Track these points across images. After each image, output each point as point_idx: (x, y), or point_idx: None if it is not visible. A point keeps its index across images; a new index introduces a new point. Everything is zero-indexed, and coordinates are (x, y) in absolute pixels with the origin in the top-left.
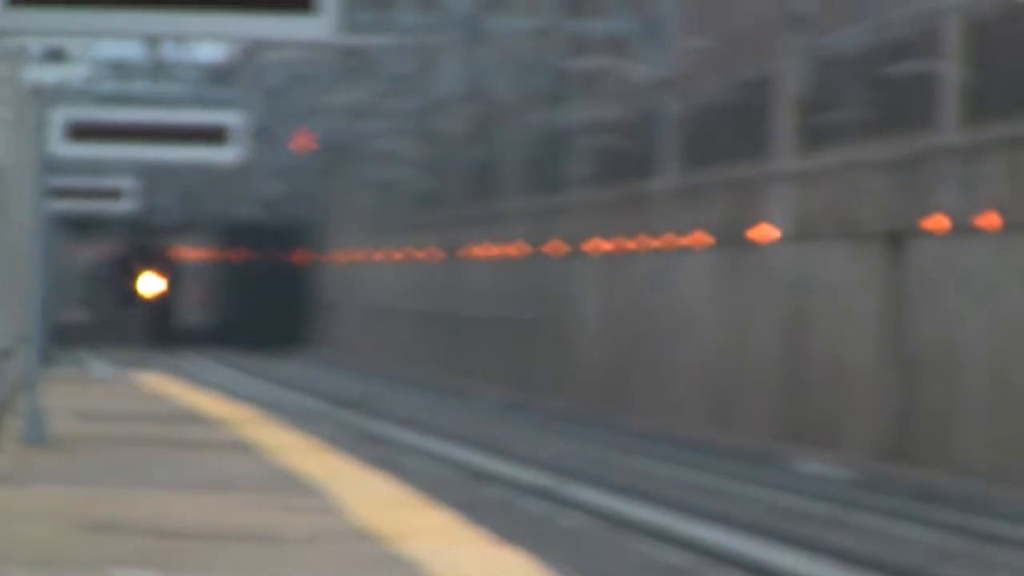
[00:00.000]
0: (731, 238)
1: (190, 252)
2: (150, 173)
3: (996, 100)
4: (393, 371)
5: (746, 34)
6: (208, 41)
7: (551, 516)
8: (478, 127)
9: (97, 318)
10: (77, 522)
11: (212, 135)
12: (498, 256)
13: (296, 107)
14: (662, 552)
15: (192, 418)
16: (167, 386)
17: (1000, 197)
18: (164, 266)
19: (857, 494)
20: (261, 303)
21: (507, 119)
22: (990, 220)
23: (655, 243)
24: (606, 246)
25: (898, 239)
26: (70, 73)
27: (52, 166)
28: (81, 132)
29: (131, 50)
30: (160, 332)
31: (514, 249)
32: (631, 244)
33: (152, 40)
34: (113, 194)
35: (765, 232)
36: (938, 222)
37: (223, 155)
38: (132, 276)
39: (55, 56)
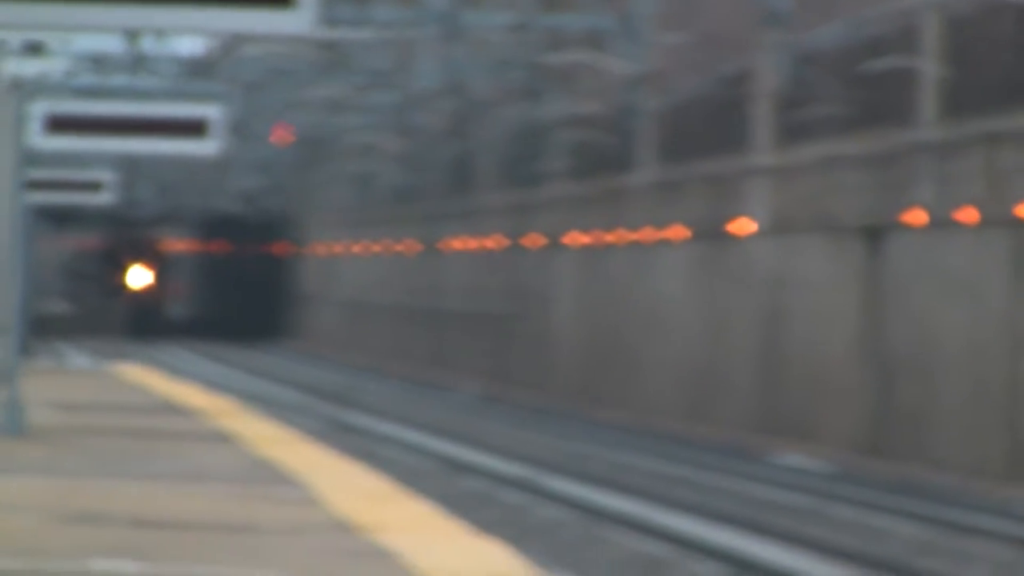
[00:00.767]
0: (709, 232)
1: (169, 244)
2: (130, 166)
3: (973, 96)
4: (371, 364)
5: (723, 30)
6: (187, 35)
7: (529, 507)
8: (455, 122)
9: (77, 310)
10: (56, 513)
11: (191, 128)
12: (476, 250)
13: (275, 101)
14: (640, 543)
15: (171, 409)
16: (146, 377)
17: (977, 192)
18: (153, 259)
19: (834, 487)
20: (240, 295)
21: (484, 114)
22: (968, 215)
23: (633, 237)
24: (584, 240)
25: (875, 234)
26: (49, 67)
27: (31, 159)
28: (60, 125)
29: (111, 44)
30: (142, 324)
31: (492, 243)
32: (609, 238)
33: (131, 34)
34: (93, 187)
35: (743, 226)
36: (916, 217)
37: (203, 148)
38: (120, 268)
39: (34, 50)
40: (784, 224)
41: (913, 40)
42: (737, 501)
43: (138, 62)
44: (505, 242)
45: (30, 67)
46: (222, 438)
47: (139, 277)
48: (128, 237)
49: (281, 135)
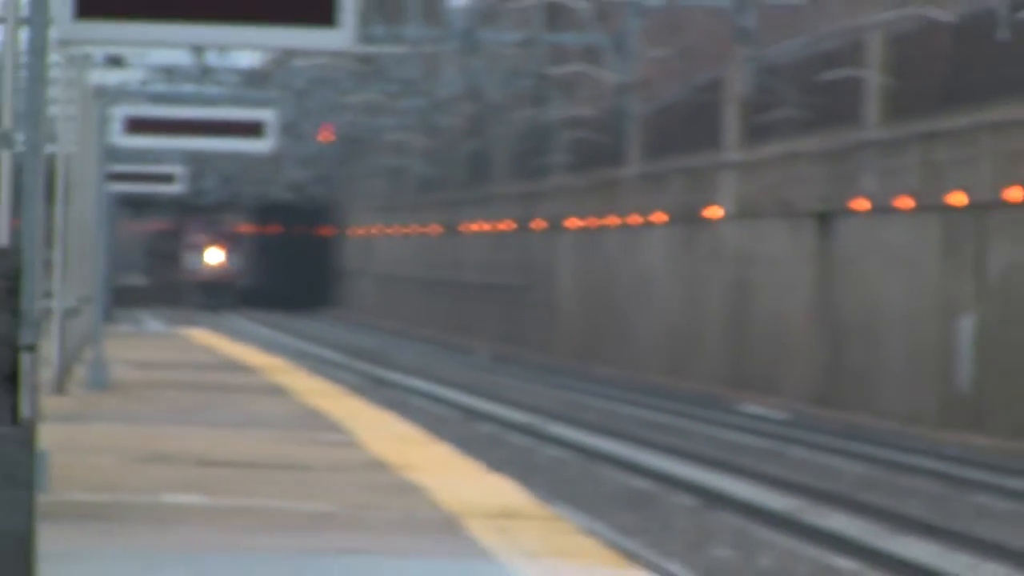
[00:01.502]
0: (686, 217)
1: (235, 227)
2: (197, 161)
3: (911, 101)
4: (401, 329)
5: (699, 45)
6: (246, 50)
7: (534, 449)
8: (473, 123)
9: (153, 283)
10: (134, 454)
11: (249, 129)
12: (490, 232)
13: (320, 105)
14: (628, 479)
15: (233, 366)
16: (211, 340)
17: (913, 183)
18: (228, 240)
19: (790, 432)
20: (290, 271)
21: (497, 116)
22: (905, 203)
23: (622, 221)
24: (581, 223)
25: (827, 218)
26: (128, 77)
27: (112, 155)
28: (138, 126)
29: (180, 57)
30: (208, 295)
31: (503, 226)
32: (602, 222)
33: (198, 49)
34: (166, 178)
35: (714, 212)
36: (861, 204)
37: (259, 146)
38: (199, 248)
39: (115, 62)
40: (749, 210)
41: (860, 54)
42: (709, 443)
43: (204, 73)
44: (514, 225)
45: (112, 77)
46: (276, 391)
47: (212, 256)
48: (206, 221)
49: (325, 134)
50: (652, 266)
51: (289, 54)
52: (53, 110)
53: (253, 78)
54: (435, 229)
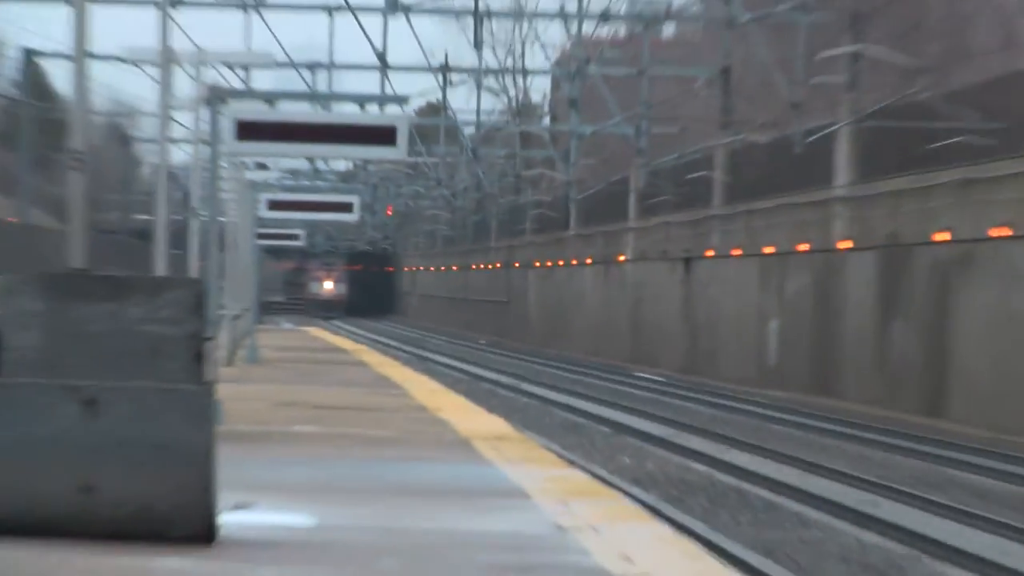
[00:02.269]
0: (604, 260)
1: (337, 268)
2: (311, 226)
3: (740, 191)
4: (433, 328)
5: (613, 157)
6: (340, 159)
7: (514, 399)
8: (477, 204)
9: (287, 300)
10: (274, 401)
11: (343, 207)
12: (487, 269)
13: (385, 193)
14: (568, 416)
15: (334, 349)
16: (322, 334)
17: (742, 240)
18: (337, 276)
19: (666, 389)
20: (369, 293)
21: (492, 200)
22: (737, 252)
23: (566, 263)
24: (541, 265)
25: (690, 261)
26: (268, 175)
27: (260, 223)
28: (275, 205)
29: (301, 163)
30: (322, 308)
31: (495, 266)
32: (554, 263)
33: (311, 159)
34: (293, 237)
35: (622, 257)
36: (710, 253)
37: (349, 217)
38: (318, 280)
39: (261, 166)
40: (642, 256)
41: (710, 162)
42: (615, 395)
43: (315, 173)
44: (500, 266)
45: (258, 175)
46: (360, 363)
47: (325, 284)
48: (319, 263)
49: (388, 211)
50: (584, 290)
51: (367, 162)
52: (224, 195)
53: (345, 176)
54: (454, 268)
